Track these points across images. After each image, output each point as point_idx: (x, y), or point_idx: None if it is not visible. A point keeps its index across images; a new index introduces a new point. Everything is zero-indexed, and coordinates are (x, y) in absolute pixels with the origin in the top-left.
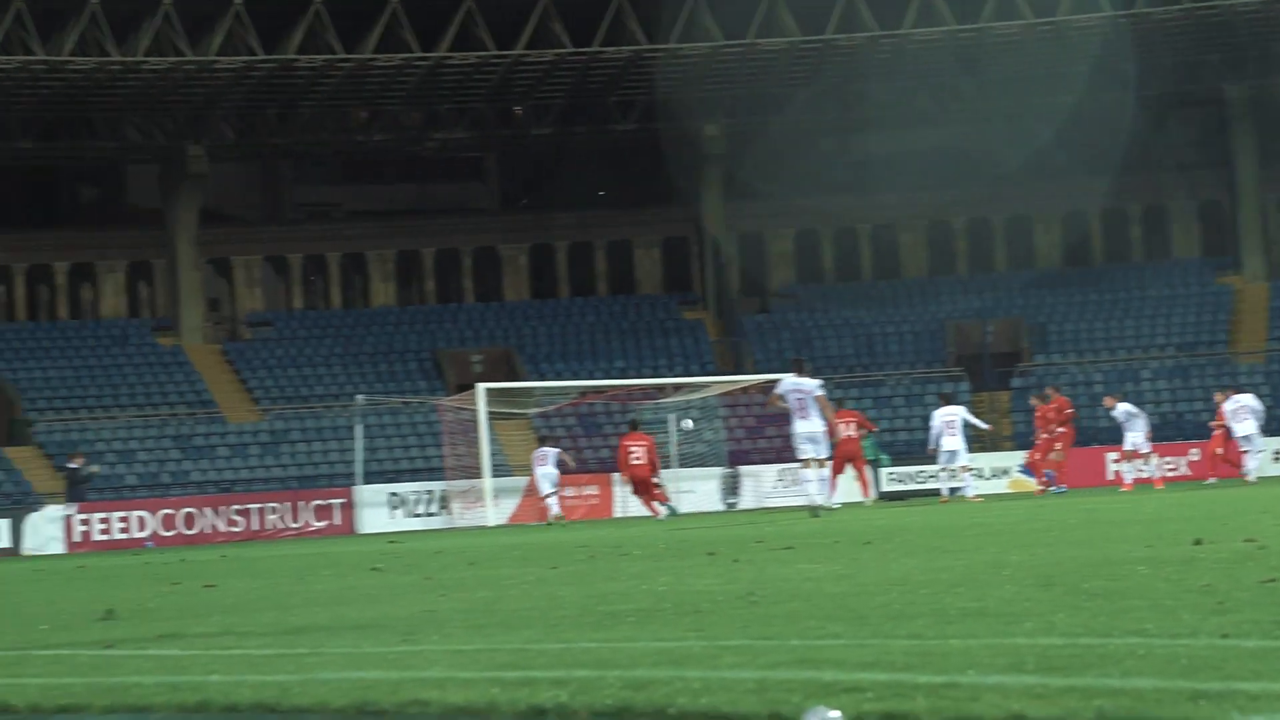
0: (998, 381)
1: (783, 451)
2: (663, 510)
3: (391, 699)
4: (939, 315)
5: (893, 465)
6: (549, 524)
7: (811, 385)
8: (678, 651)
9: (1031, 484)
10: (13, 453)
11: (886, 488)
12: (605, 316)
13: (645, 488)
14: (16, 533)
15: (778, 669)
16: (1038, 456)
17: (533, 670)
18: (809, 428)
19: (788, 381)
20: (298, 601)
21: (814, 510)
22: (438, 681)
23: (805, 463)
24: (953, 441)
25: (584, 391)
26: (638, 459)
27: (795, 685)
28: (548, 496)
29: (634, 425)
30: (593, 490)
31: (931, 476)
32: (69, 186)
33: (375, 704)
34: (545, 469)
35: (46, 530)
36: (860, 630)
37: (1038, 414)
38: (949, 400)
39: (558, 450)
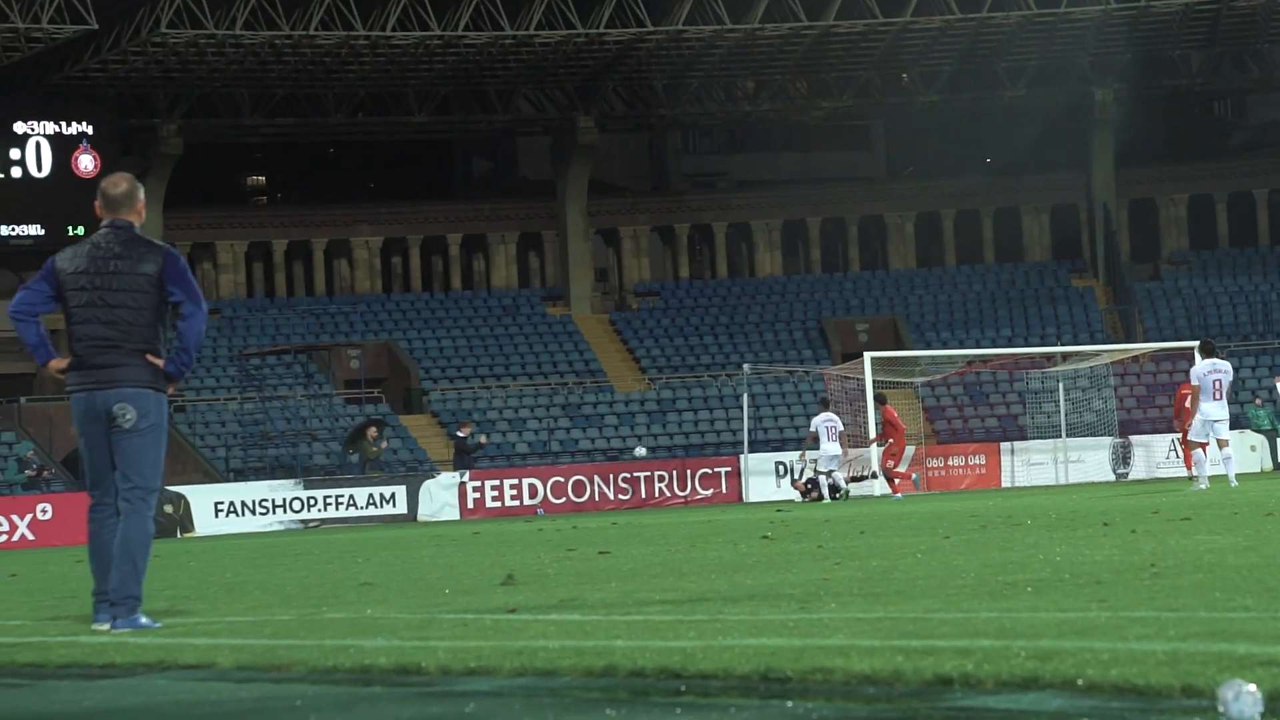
0: None
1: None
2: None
3: (795, 666)
4: None
5: None
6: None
7: (1227, 367)
8: (1082, 622)
9: None
10: (409, 421)
11: None
12: (992, 284)
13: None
14: (413, 499)
15: (1188, 641)
16: None
17: (935, 639)
18: (1219, 411)
19: (1206, 363)
20: (692, 568)
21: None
22: (840, 649)
23: (1204, 445)
24: None
25: (970, 360)
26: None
27: (1208, 658)
28: (824, 473)
29: (882, 400)
30: (979, 460)
31: None
32: (462, 159)
33: (779, 671)
34: (833, 446)
35: (441, 496)
36: (1271, 603)
37: None
38: None
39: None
